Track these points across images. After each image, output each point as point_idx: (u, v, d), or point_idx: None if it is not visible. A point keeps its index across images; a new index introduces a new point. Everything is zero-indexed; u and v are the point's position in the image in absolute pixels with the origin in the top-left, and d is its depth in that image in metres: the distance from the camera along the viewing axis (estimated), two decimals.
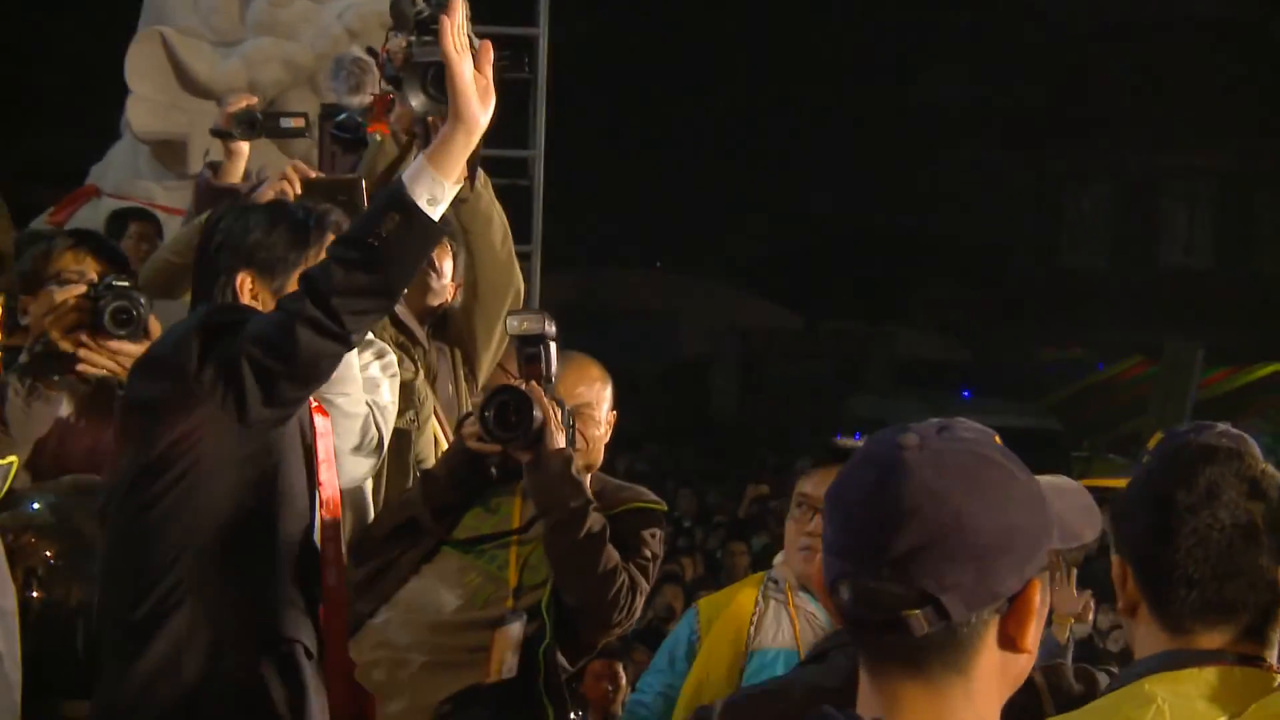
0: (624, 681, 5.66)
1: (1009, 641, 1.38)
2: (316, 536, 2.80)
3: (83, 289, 2.93)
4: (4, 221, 2.44)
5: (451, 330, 3.99)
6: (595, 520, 3.19)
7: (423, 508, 3.28)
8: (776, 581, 3.43)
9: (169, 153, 6.59)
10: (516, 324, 3.27)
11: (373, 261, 2.45)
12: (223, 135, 4.02)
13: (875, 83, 26.02)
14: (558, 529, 3.17)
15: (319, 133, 5.48)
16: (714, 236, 27.95)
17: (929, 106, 26.06)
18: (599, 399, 3.45)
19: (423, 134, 3.74)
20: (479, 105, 2.51)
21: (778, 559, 3.52)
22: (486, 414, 3.15)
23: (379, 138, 3.76)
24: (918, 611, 1.33)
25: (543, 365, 3.22)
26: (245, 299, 2.76)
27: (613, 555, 3.18)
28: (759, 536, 11.21)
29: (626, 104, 24.88)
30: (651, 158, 25.83)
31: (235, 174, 4.03)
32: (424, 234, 2.50)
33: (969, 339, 26.53)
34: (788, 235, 28.73)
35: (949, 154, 26.35)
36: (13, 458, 2.13)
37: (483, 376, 4.04)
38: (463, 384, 3.99)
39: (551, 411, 3.14)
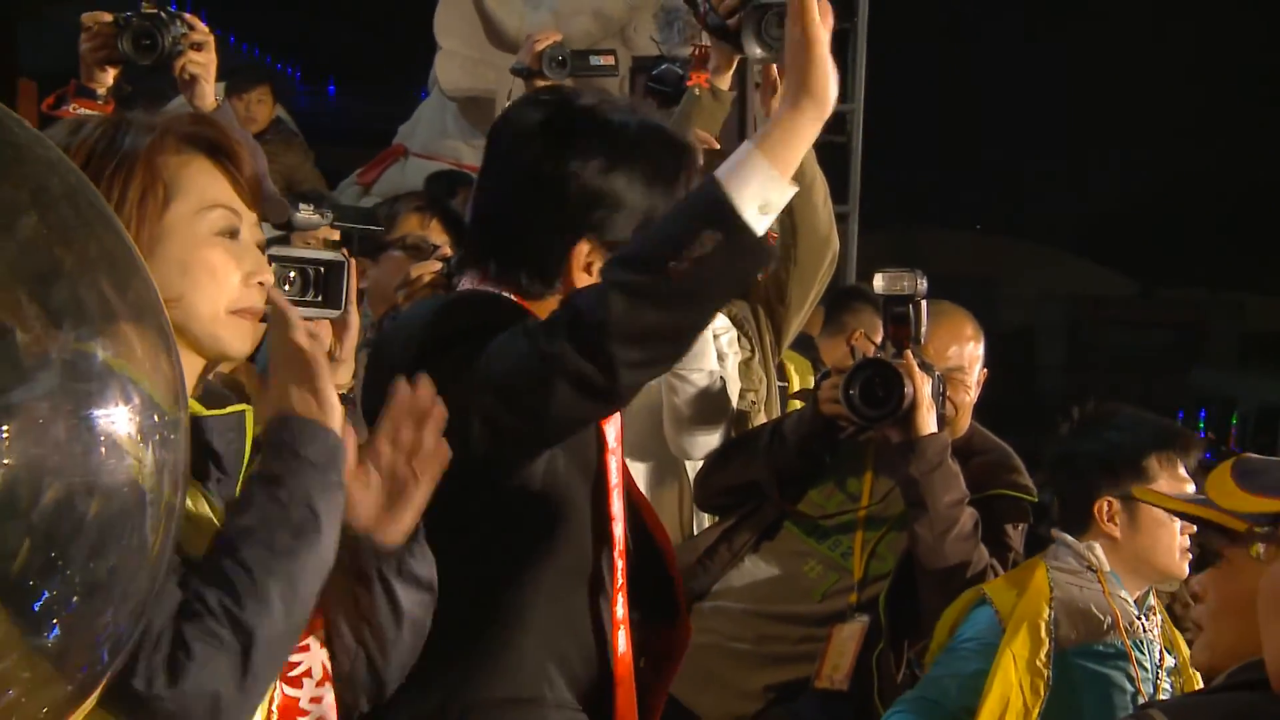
0: None
1: None
2: (609, 591, 2.21)
3: (437, 266, 2.90)
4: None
5: (755, 294, 3.86)
6: (968, 518, 3.01)
7: (767, 474, 3.15)
8: (1090, 568, 3.18)
9: (476, 110, 6.68)
10: (886, 284, 3.08)
11: (672, 295, 1.81)
12: (527, 74, 3.96)
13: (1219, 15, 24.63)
14: (925, 525, 2.99)
15: (630, 87, 5.44)
16: (1036, 194, 27.06)
17: None
18: (971, 361, 3.27)
19: (739, 86, 3.62)
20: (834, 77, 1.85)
21: (1082, 546, 3.25)
22: (851, 391, 2.98)
23: (697, 91, 3.61)
24: None
25: (911, 326, 3.06)
26: (579, 278, 2.12)
27: (983, 556, 2.99)
28: None
29: (940, 54, 24.29)
30: (967, 109, 25.17)
31: None
32: (752, 258, 1.82)
33: None
34: (1118, 192, 27.54)
35: None
36: (244, 406, 1.93)
37: (787, 343, 3.90)
38: (769, 352, 3.87)
39: (922, 386, 2.96)
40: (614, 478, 2.17)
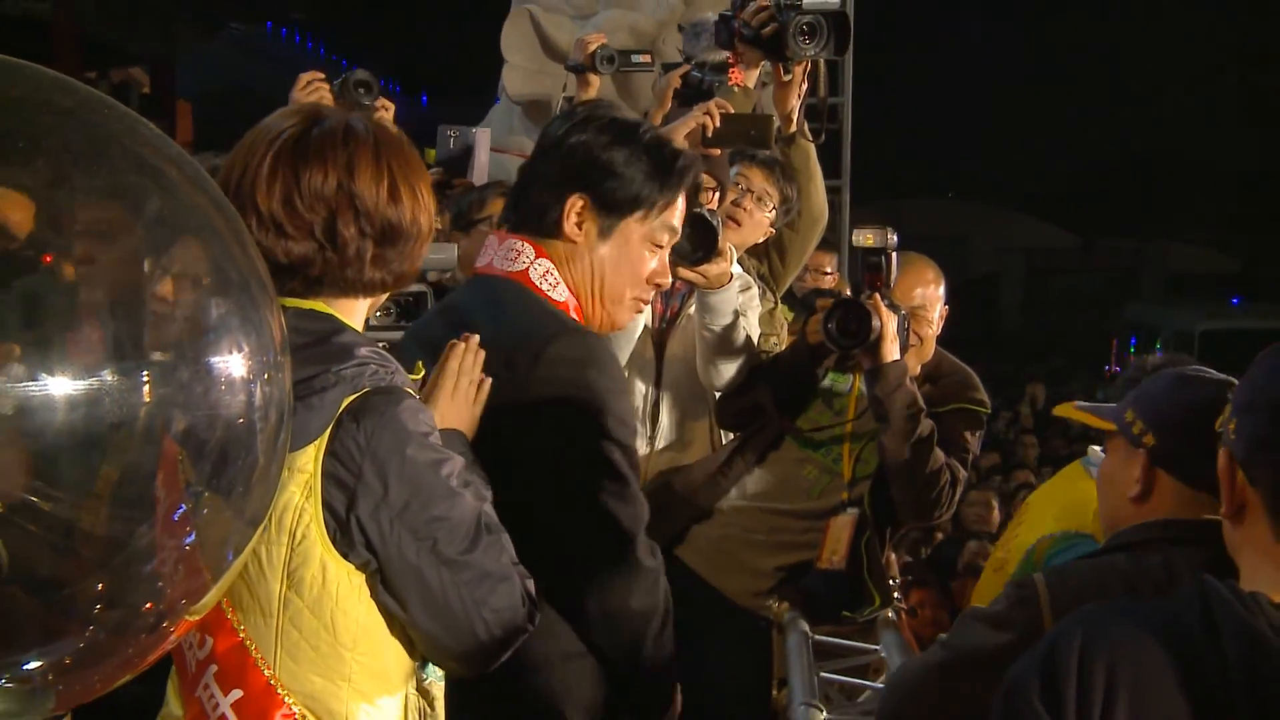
0: None
1: None
2: None
3: None
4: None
5: (763, 253, 3.81)
6: (925, 426, 2.96)
7: (768, 396, 3.12)
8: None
9: (537, 111, 6.62)
10: (862, 238, 3.03)
11: None
12: (580, 69, 3.90)
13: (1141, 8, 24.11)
14: (891, 434, 2.95)
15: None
16: (997, 167, 26.77)
17: (1189, 33, 23.90)
18: (933, 300, 3.21)
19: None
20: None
21: (1096, 450, 3.17)
22: (829, 325, 2.95)
23: (735, 89, 3.61)
24: None
25: (884, 274, 3.02)
26: (569, 226, 2.06)
27: (939, 457, 2.95)
28: (1047, 432, 10.96)
29: (914, 56, 23.90)
30: (938, 99, 24.85)
31: None
32: None
33: (1236, 250, 24.55)
34: (1062, 163, 27.19)
35: (1212, 80, 24.22)
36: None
37: (782, 291, 3.86)
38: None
39: (888, 322, 2.92)
40: None
